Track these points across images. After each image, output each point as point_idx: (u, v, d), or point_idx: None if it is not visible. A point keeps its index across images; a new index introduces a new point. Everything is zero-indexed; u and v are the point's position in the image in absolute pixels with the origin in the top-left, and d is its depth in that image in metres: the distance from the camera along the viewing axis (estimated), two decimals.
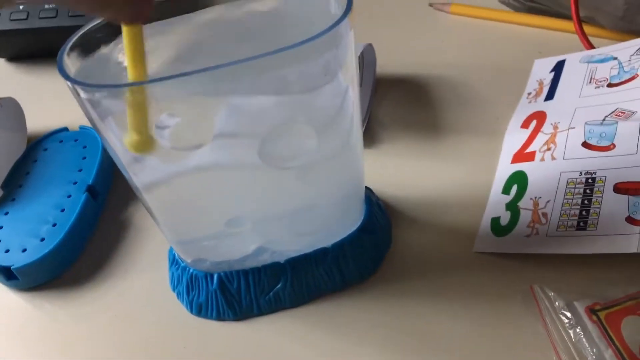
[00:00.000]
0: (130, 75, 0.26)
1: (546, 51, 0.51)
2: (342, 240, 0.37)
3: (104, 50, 0.31)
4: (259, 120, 0.29)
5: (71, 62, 0.29)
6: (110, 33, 0.31)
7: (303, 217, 0.34)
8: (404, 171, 0.44)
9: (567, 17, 0.52)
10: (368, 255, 0.38)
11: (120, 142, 0.29)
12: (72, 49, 0.29)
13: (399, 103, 0.50)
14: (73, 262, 0.42)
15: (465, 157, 0.44)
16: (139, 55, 0.26)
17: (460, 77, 0.50)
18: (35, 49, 0.60)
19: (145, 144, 0.27)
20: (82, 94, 0.27)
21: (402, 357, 0.34)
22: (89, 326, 0.39)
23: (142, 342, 0.37)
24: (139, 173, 0.31)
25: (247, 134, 0.29)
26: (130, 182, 0.32)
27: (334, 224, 0.36)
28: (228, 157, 0.30)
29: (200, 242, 0.36)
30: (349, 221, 0.37)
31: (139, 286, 0.41)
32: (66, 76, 0.27)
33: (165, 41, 0.32)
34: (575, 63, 0.47)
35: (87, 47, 0.30)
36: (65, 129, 0.49)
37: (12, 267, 0.40)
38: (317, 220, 0.35)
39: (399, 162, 0.45)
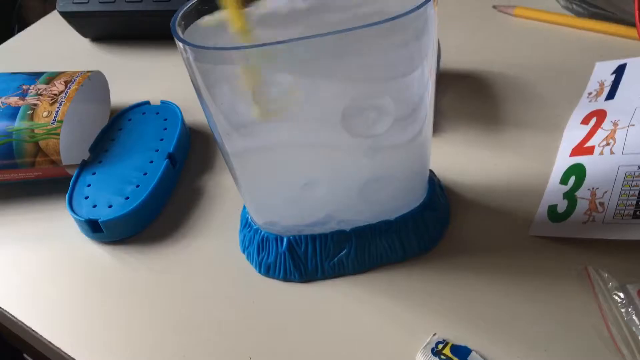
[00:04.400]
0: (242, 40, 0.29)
1: (607, 55, 0.52)
2: (406, 215, 0.40)
3: (208, 20, 0.34)
4: (343, 95, 0.32)
5: (180, 31, 0.33)
6: (213, 7, 0.34)
7: (373, 187, 0.37)
8: (464, 158, 0.46)
9: (629, 24, 0.53)
10: (428, 230, 0.40)
11: (220, 109, 0.32)
12: (182, 18, 0.32)
13: (461, 96, 0.52)
14: (152, 221, 0.46)
15: (523, 149, 0.46)
16: (245, 23, 0.29)
17: (521, 75, 0.52)
18: (119, 31, 0.65)
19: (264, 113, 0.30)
20: (192, 57, 0.30)
21: (456, 326, 0.37)
22: (165, 279, 0.42)
23: (213, 296, 0.41)
24: (235, 140, 0.34)
25: (331, 107, 0.32)
26: (222, 147, 0.36)
27: (400, 197, 0.39)
28: (313, 126, 0.33)
29: (276, 205, 0.39)
30: (413, 197, 0.40)
31: (211, 246, 0.44)
32: (180, 39, 0.30)
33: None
34: (637, 66, 0.49)
35: (192, 18, 0.34)
36: (148, 103, 0.53)
37: (99, 220, 0.43)
38: (385, 192, 0.38)
39: (459, 150, 0.47)
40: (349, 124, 0.33)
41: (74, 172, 0.47)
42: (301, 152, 0.35)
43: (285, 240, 0.40)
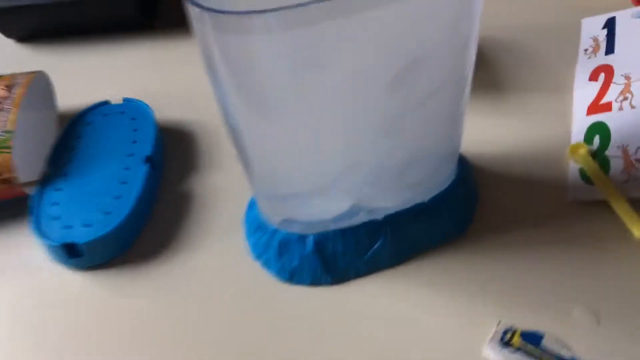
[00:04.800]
0: None
1: (589, 11, 0.51)
2: (439, 194, 0.36)
3: None
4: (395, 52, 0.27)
5: None
6: None
7: (411, 168, 0.33)
8: (477, 128, 0.43)
9: None
10: (463, 208, 0.37)
11: (242, 89, 0.26)
12: None
13: None
14: (138, 237, 0.39)
15: (532, 113, 0.44)
16: None
17: (509, 37, 0.50)
18: (51, 27, 0.56)
19: None
20: (211, 26, 0.25)
21: (519, 308, 0.33)
22: (164, 306, 0.36)
23: (229, 319, 0.35)
24: (256, 125, 0.29)
25: (381, 67, 0.27)
26: (238, 135, 0.30)
27: (434, 177, 0.35)
28: (355, 95, 0.28)
29: (300, 198, 0.34)
30: (446, 175, 0.36)
31: (213, 259, 0.38)
32: (195, 2, 0.25)
33: None
34: (627, 19, 0.47)
35: None
36: (107, 102, 0.46)
37: (77, 243, 0.36)
38: (422, 172, 0.34)
39: (470, 120, 0.43)
40: (397, 88, 0.28)
41: (33, 191, 0.40)
42: (338, 132, 0.30)
43: (310, 239, 0.35)
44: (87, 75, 0.53)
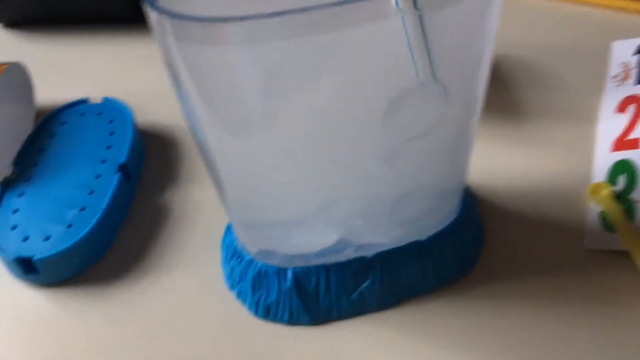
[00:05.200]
0: None
1: (621, 33, 0.46)
2: (439, 233, 0.32)
3: None
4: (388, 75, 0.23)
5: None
6: None
7: (407, 202, 0.29)
8: (487, 157, 0.39)
9: None
10: (465, 249, 0.33)
11: (210, 103, 0.22)
12: None
13: None
14: (103, 254, 0.35)
15: (550, 144, 0.39)
16: None
17: (533, 58, 0.46)
18: (42, 13, 0.53)
19: None
20: (172, 34, 0.21)
21: None
22: (123, 331, 0.32)
23: (194, 351, 0.31)
24: (228, 146, 0.25)
25: (376, 92, 0.23)
26: (208, 155, 0.26)
27: (434, 212, 0.31)
28: (344, 121, 0.24)
29: (278, 230, 0.30)
30: (448, 211, 0.32)
31: (184, 284, 0.34)
32: (154, 6, 0.21)
33: None
34: None
35: None
36: (86, 101, 0.42)
37: (33, 259, 0.33)
38: (420, 206, 0.30)
39: (480, 147, 0.39)
40: (393, 118, 0.24)
41: None
42: (323, 157, 0.26)
43: (289, 273, 0.31)
44: (74, 68, 0.49)
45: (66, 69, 0.49)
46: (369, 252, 0.31)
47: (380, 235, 0.31)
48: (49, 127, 0.40)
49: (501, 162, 0.38)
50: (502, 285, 0.32)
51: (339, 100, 0.23)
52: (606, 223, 0.34)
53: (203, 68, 0.22)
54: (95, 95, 0.43)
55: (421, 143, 0.26)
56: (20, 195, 0.36)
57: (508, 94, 0.43)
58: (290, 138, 0.25)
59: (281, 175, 0.26)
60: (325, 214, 0.28)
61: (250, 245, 0.31)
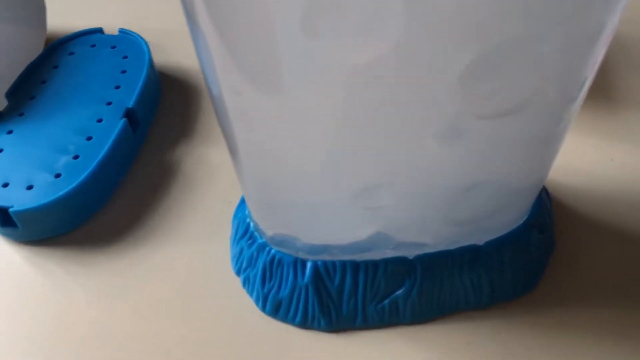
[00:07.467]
0: None
1: None
2: (501, 238, 0.25)
3: None
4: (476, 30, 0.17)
5: None
6: None
7: (469, 197, 0.22)
8: (566, 151, 0.32)
9: None
10: (531, 262, 0.26)
11: (221, 36, 0.16)
12: None
13: None
14: (94, 213, 0.30)
15: None
16: None
17: (634, 35, 0.38)
18: None
19: None
20: None
21: None
22: (108, 305, 0.27)
23: (179, 339, 0.26)
24: (250, 101, 0.19)
25: (450, 48, 0.17)
26: (218, 106, 0.20)
27: (501, 213, 0.24)
28: (405, 82, 0.18)
29: (302, 212, 0.24)
30: (517, 212, 0.25)
31: (182, 260, 0.29)
32: None
33: None
34: None
35: None
36: (100, 31, 0.36)
37: (10, 210, 0.28)
38: (484, 204, 0.23)
39: None
40: (470, 83, 0.17)
41: None
42: (372, 125, 0.19)
43: (309, 266, 0.25)
44: None
45: None
46: (410, 253, 0.25)
47: (427, 235, 0.24)
48: (54, 56, 0.35)
49: (585, 157, 0.31)
50: (571, 309, 0.26)
51: (406, 48, 0.17)
52: None
53: None
54: (113, 25, 0.37)
55: (497, 124, 0.19)
56: (9, 132, 0.31)
57: (604, 74, 0.36)
58: (330, 99, 0.18)
59: (313, 148, 0.20)
60: (362, 201, 0.22)
61: (266, 226, 0.25)
